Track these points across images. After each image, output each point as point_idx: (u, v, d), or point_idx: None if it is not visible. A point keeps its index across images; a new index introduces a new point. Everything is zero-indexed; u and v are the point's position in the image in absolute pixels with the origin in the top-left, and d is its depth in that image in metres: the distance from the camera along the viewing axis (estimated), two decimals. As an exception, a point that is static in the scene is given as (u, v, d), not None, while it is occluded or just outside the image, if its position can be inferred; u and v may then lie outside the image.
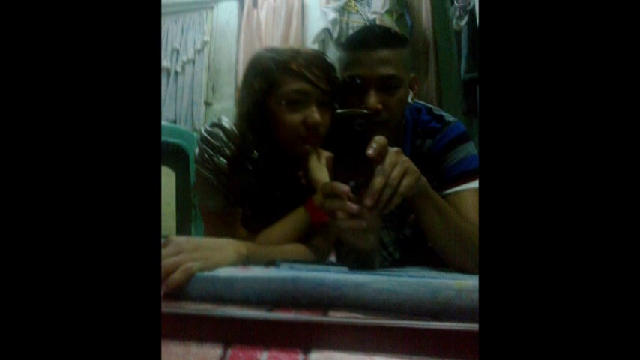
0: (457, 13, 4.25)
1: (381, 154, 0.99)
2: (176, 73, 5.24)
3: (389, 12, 4.71)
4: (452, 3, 4.38)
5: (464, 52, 4.23)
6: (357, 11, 4.94)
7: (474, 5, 3.92)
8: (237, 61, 5.17)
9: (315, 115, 1.34)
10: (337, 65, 1.50)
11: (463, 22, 4.22)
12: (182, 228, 2.75)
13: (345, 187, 0.96)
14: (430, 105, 1.69)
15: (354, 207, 0.96)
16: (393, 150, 1.01)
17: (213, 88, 5.22)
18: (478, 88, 3.73)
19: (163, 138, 2.57)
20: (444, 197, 1.36)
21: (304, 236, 1.36)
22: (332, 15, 4.85)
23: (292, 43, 4.91)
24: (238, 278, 0.77)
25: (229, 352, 0.64)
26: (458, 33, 4.42)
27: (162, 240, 0.91)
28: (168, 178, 2.84)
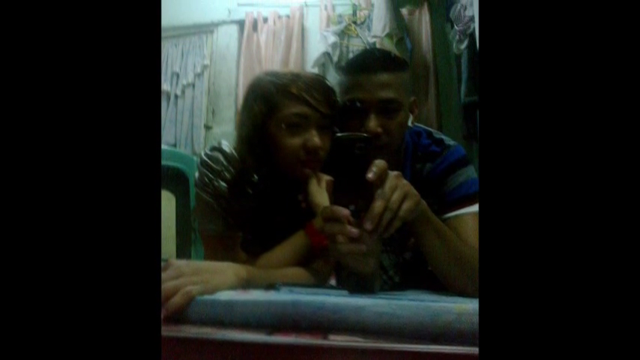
0: (457, 36, 4.27)
1: (381, 178, 0.99)
2: (176, 96, 5.24)
3: (389, 35, 4.73)
4: (452, 27, 4.40)
5: (464, 75, 4.24)
6: (357, 35, 4.97)
7: (473, 29, 3.94)
8: (237, 85, 5.18)
9: (315, 138, 1.34)
10: (337, 89, 1.50)
11: (463, 46, 4.23)
12: (182, 251, 2.74)
13: (345, 211, 0.96)
14: (430, 129, 1.69)
15: (354, 231, 0.96)
16: (393, 174, 1.02)
17: (213, 112, 5.22)
18: (478, 111, 3.74)
19: (163, 162, 2.58)
20: (444, 221, 1.36)
21: (304, 260, 1.35)
22: (332, 39, 4.88)
23: (292, 66, 4.92)
24: (238, 302, 0.77)
25: (229, 376, 0.64)
26: (458, 57, 4.43)
27: (163, 264, 0.91)
28: (168, 202, 2.84)
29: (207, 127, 5.21)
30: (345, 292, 1.05)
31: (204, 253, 1.52)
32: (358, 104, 1.44)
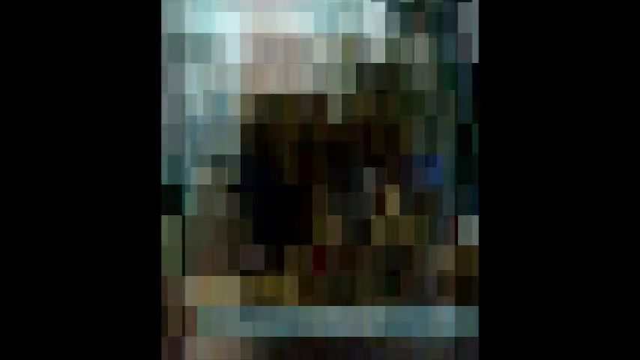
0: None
1: (376, 192, 0.99)
2: (176, 109, 5.21)
3: (388, 54, 4.70)
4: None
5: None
6: (356, 52, 4.93)
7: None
8: (237, 96, 5.15)
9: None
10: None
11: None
12: (182, 266, 2.72)
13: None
14: (427, 147, 1.69)
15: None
16: (388, 187, 1.02)
17: (213, 124, 5.19)
18: (477, 129, 3.71)
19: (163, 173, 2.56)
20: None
21: (300, 279, 1.35)
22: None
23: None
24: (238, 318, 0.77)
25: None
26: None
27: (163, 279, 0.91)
28: (168, 217, 2.82)
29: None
30: (337, 306, 1.05)
31: (204, 267, 1.51)
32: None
